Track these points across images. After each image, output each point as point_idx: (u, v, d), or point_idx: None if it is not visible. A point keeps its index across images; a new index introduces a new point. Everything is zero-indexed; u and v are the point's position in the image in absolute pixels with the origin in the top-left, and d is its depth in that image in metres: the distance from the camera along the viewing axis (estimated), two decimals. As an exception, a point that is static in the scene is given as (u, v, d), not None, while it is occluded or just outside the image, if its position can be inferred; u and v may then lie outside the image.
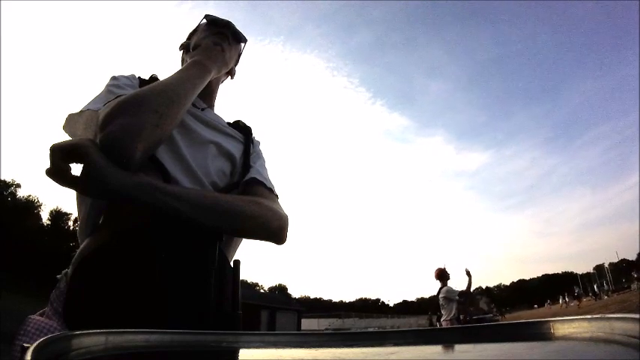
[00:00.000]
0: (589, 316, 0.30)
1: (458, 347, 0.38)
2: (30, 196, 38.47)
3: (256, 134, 0.93)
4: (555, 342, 0.32)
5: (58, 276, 0.65)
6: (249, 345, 0.46)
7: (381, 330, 0.47)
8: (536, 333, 0.34)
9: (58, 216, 39.98)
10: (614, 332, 0.27)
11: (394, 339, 0.43)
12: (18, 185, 37.71)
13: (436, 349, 0.39)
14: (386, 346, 0.41)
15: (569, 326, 0.31)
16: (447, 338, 0.41)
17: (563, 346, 0.31)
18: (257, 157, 0.87)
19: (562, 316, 0.33)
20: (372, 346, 0.42)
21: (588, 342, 0.28)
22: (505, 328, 0.38)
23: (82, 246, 0.65)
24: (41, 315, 0.61)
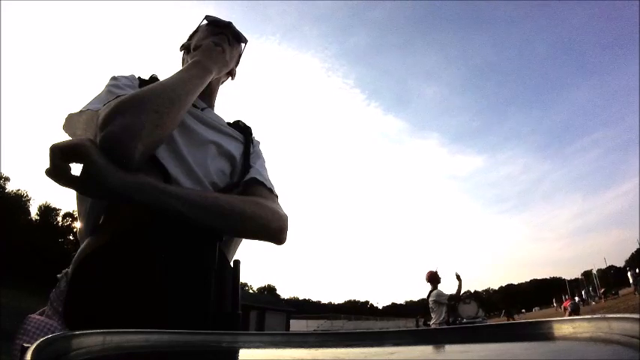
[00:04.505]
0: (588, 316, 0.30)
1: (457, 347, 0.38)
2: (19, 190, 37.81)
3: (255, 134, 0.93)
4: (555, 342, 0.32)
5: (58, 275, 0.65)
6: (249, 345, 0.46)
7: (380, 330, 0.47)
8: (536, 333, 0.34)
9: (47, 211, 39.24)
10: (614, 332, 0.27)
11: (394, 339, 0.42)
12: (7, 179, 36.88)
13: (436, 349, 0.39)
14: (386, 346, 0.41)
15: (569, 326, 0.31)
16: (446, 338, 0.41)
17: (562, 346, 0.31)
18: (257, 157, 0.87)
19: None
20: (372, 346, 0.42)
21: (588, 342, 0.28)
22: (504, 328, 0.38)
23: (82, 246, 0.65)
24: (41, 314, 0.61)
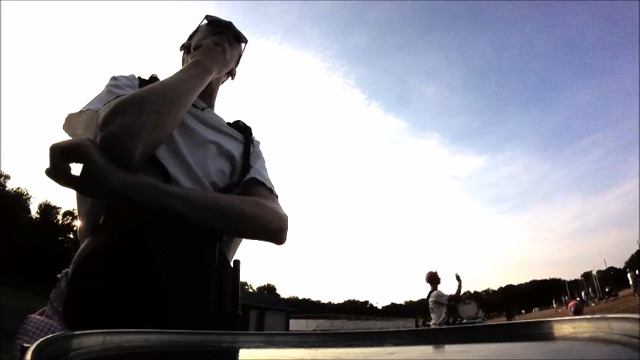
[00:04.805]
0: (589, 316, 0.30)
1: (458, 347, 0.38)
2: (19, 188, 37.58)
3: (255, 134, 0.93)
4: (555, 342, 0.32)
5: (58, 275, 0.65)
6: (249, 345, 0.46)
7: (380, 330, 0.47)
8: (536, 333, 0.34)
9: (47, 210, 38.89)
10: (614, 332, 0.27)
11: (394, 339, 0.43)
12: (7, 177, 36.61)
13: (436, 349, 0.39)
14: (386, 346, 0.41)
15: (569, 326, 0.31)
16: (446, 338, 0.41)
17: (563, 346, 0.31)
18: (257, 157, 0.87)
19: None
20: (372, 346, 0.42)
21: (588, 342, 0.28)
22: (505, 328, 0.38)
23: (82, 246, 0.65)
24: (41, 314, 0.61)
